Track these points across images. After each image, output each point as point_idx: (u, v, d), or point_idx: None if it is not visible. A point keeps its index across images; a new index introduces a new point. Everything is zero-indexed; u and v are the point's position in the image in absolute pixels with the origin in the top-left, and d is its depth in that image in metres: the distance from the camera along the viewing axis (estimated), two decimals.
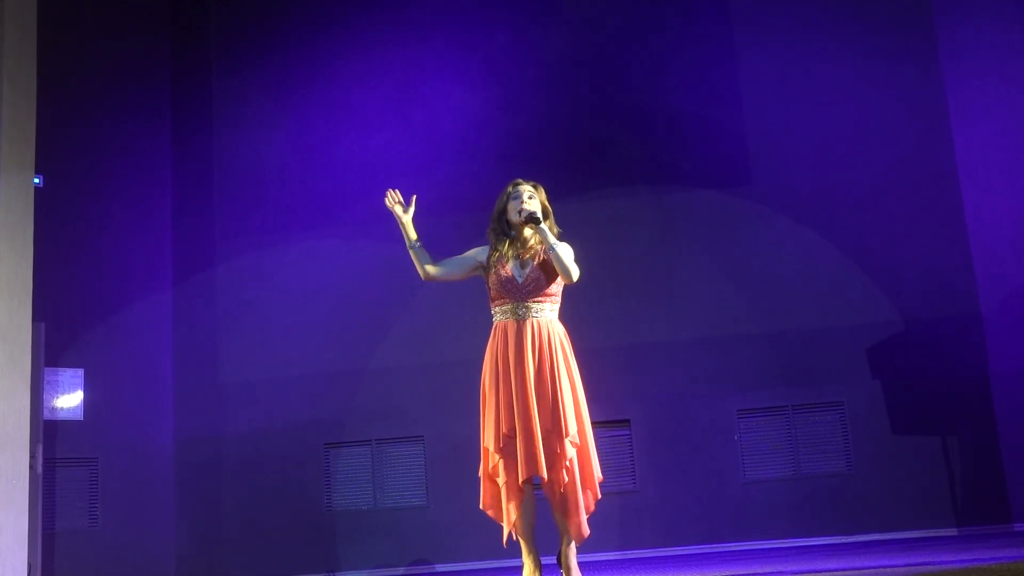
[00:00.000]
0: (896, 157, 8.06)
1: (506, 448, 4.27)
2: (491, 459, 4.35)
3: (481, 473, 4.43)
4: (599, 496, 4.42)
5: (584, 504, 4.32)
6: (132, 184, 8.37)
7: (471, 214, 7.90)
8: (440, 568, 7.35)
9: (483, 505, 4.44)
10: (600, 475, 4.41)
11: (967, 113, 7.91)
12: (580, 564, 4.40)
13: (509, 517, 4.29)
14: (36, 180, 6.44)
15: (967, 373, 7.66)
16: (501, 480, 4.28)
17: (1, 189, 6.02)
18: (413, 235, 4.60)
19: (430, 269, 4.58)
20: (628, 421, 7.80)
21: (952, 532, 7.38)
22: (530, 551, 4.35)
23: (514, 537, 4.34)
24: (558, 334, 4.44)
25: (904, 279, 7.86)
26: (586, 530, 4.30)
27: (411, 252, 4.60)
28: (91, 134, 8.20)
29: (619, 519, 7.65)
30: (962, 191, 7.91)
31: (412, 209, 4.63)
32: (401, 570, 7.68)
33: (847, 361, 7.78)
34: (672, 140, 8.28)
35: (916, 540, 6.97)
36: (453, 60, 8.56)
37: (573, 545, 4.32)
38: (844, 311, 7.86)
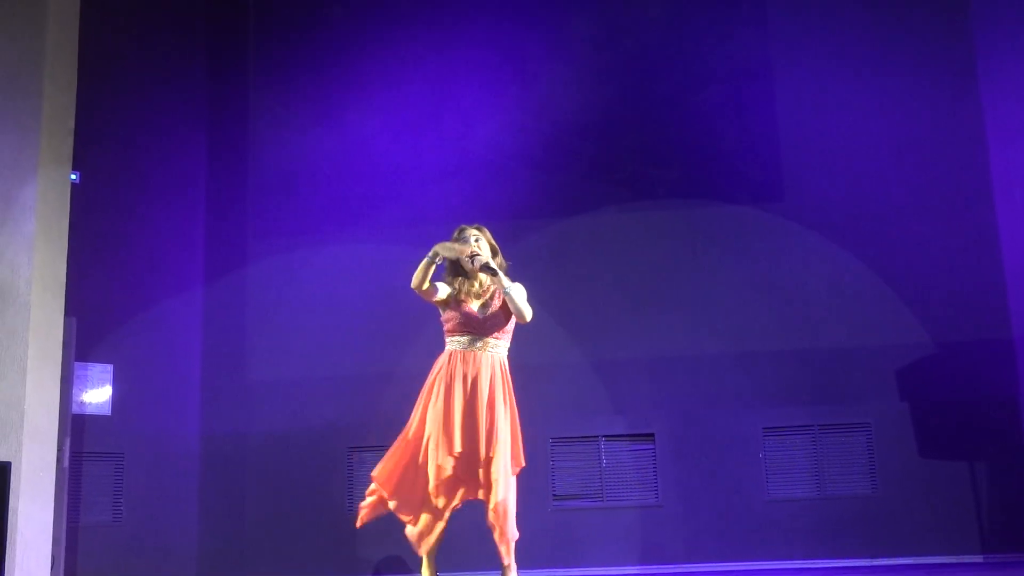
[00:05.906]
0: (931, 176, 7.99)
1: (448, 471, 4.59)
2: (432, 477, 4.62)
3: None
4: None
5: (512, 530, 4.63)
6: (167, 183, 8.44)
7: (501, 220, 7.95)
8: (455, 575, 7.32)
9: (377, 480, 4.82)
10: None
11: (1005, 133, 7.83)
12: None
13: (427, 535, 4.65)
14: (73, 176, 6.50)
15: (997, 398, 7.56)
16: (438, 500, 4.60)
17: (39, 184, 6.09)
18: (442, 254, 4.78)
19: (427, 285, 4.84)
20: (652, 435, 7.76)
21: (977, 559, 7.28)
22: (430, 565, 4.74)
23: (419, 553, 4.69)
24: (505, 369, 4.74)
25: (935, 300, 7.78)
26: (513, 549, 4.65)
27: (429, 262, 4.80)
28: (128, 132, 8.27)
29: (641, 533, 7.61)
30: (997, 212, 7.83)
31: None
32: None
33: (875, 382, 7.72)
34: (704, 154, 8.25)
35: (940, 565, 6.90)
36: (486, 68, 8.58)
37: (510, 558, 4.66)
38: (873, 331, 7.80)
